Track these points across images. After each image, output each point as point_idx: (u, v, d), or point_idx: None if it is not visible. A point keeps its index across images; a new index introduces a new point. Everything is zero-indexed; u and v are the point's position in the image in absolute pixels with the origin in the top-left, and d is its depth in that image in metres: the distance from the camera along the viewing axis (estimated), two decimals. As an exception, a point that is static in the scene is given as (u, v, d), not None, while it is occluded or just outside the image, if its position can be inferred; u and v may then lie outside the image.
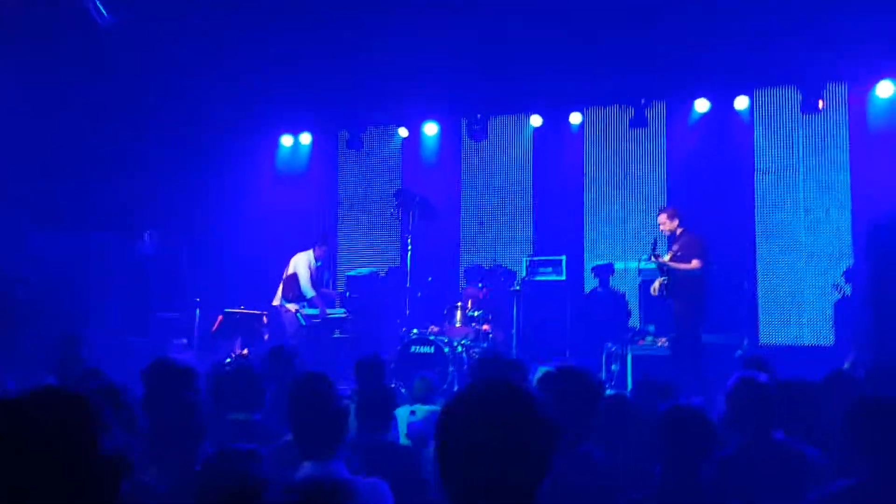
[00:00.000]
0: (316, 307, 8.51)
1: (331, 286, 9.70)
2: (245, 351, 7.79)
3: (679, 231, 7.25)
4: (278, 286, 8.71)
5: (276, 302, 8.64)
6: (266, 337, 8.19)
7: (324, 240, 8.80)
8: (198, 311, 8.45)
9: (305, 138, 11.38)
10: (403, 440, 4.21)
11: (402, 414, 4.62)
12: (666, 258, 7.15)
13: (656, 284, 7.24)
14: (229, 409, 3.68)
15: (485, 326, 8.39)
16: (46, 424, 1.30)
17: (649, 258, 7.28)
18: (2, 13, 7.01)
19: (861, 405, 2.64)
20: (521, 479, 1.42)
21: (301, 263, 8.49)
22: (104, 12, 7.43)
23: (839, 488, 2.52)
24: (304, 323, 8.22)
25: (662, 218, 7.35)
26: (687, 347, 7.02)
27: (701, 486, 2.62)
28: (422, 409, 4.83)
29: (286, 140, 11.42)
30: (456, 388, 7.43)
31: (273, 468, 2.39)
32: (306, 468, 2.62)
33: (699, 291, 7.09)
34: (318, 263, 8.65)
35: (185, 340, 8.16)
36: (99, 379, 3.62)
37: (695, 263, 7.01)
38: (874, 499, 2.46)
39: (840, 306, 8.35)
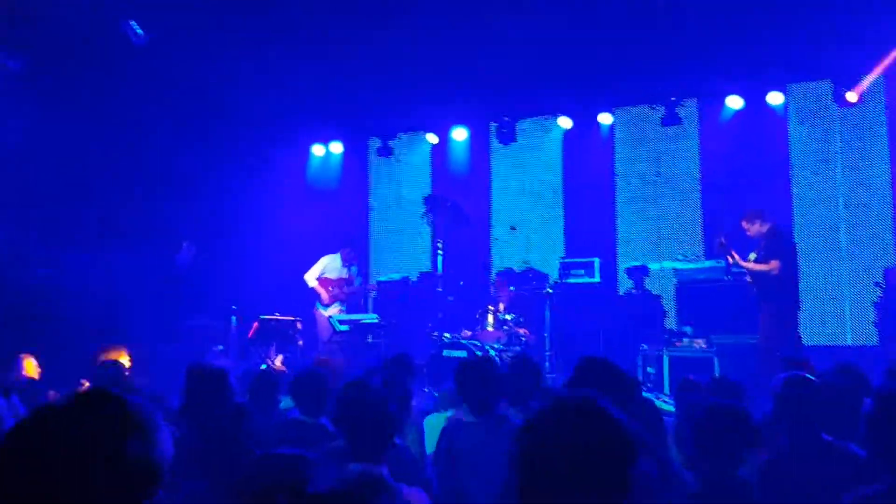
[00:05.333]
0: (325, 305, 8.55)
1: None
2: (280, 358, 7.88)
3: (766, 229, 6.84)
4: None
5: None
6: (300, 343, 8.26)
7: (351, 243, 8.90)
8: (234, 318, 8.59)
9: (336, 147, 11.52)
10: (430, 448, 4.17)
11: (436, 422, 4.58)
12: (750, 260, 6.79)
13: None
14: (301, 409, 3.83)
15: (521, 330, 8.34)
16: (75, 425, 1.26)
17: (725, 257, 7.07)
18: (33, 34, 7.19)
19: (879, 404, 2.44)
20: (602, 499, 1.42)
21: (322, 260, 8.65)
22: (140, 32, 7.59)
23: (870, 492, 2.35)
24: (338, 328, 8.27)
25: (744, 224, 6.97)
26: (776, 359, 5.64)
27: (742, 488, 2.55)
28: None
29: (318, 150, 11.58)
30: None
31: (322, 468, 2.40)
32: (354, 468, 2.65)
33: (791, 294, 6.60)
34: (345, 266, 8.78)
35: (221, 347, 8.27)
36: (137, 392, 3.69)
37: (772, 265, 6.60)
38: None
39: (882, 305, 8.12)
